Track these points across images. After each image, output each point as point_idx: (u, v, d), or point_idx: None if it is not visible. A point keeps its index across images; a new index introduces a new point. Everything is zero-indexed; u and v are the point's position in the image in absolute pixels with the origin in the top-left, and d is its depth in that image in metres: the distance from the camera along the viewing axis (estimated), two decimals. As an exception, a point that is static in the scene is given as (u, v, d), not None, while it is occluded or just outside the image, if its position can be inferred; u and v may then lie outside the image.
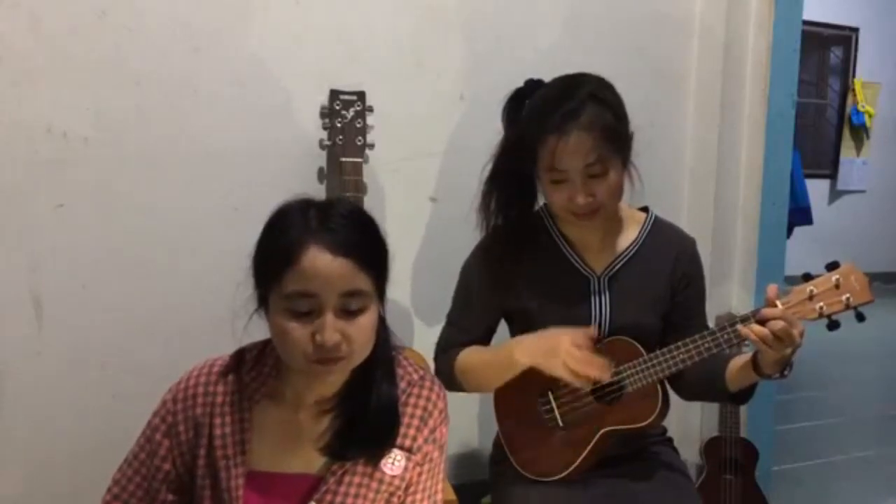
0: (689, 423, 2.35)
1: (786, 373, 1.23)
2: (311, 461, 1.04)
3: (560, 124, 1.23)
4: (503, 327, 1.48)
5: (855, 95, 6.71)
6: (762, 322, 1.16)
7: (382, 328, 1.06)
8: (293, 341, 0.95)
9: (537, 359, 1.29)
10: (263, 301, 1.00)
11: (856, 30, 6.67)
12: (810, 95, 6.63)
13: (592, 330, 1.30)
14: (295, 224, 0.96)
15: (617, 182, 1.28)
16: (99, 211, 1.69)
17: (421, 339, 1.86)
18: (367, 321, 0.98)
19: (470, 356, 1.40)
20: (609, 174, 1.26)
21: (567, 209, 1.30)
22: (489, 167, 1.39)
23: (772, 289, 1.20)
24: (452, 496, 1.66)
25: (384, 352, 1.06)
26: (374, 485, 1.05)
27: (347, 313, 0.96)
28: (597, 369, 1.25)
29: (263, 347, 1.06)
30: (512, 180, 1.36)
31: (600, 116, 1.25)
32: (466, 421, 2.10)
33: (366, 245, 0.99)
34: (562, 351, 1.25)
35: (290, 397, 1.05)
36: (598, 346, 1.34)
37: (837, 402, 3.74)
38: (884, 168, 6.93)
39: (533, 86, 1.36)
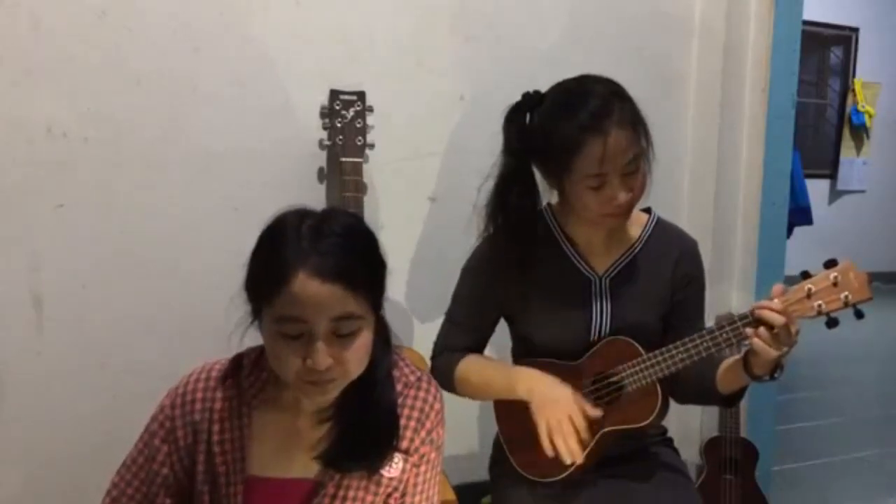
0: (689, 423, 2.35)
1: (776, 375, 1.23)
2: (309, 466, 1.04)
3: (596, 125, 1.21)
4: (503, 326, 1.49)
5: (855, 95, 6.71)
6: (760, 318, 1.17)
7: (383, 335, 1.04)
8: (285, 363, 0.94)
9: (535, 402, 1.28)
10: (257, 315, 0.98)
11: (856, 30, 6.67)
12: (810, 95, 6.63)
13: (600, 414, 1.29)
14: (287, 243, 0.93)
15: (646, 175, 1.28)
16: (99, 211, 1.69)
17: (420, 338, 1.86)
18: (360, 343, 0.96)
19: (472, 369, 1.39)
20: (641, 168, 1.26)
21: (604, 212, 1.27)
22: (493, 182, 1.35)
23: (777, 287, 1.19)
24: (452, 496, 1.66)
25: (384, 360, 1.05)
26: (373, 487, 1.05)
27: (340, 336, 0.94)
28: (568, 453, 1.24)
29: (261, 353, 1.05)
30: (515, 190, 1.34)
31: (628, 111, 1.24)
32: (466, 421, 2.10)
33: (359, 266, 0.96)
34: (561, 410, 1.25)
35: (289, 403, 1.05)
36: (598, 345, 1.35)
37: (837, 402, 3.73)
38: (884, 168, 6.94)
39: (532, 98, 1.33)
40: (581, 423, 1.25)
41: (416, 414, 1.08)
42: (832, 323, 1.18)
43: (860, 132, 6.85)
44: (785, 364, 1.21)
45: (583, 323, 1.36)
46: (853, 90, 6.72)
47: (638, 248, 1.39)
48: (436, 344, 1.48)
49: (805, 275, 1.19)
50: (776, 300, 1.18)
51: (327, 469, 1.03)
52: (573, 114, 1.23)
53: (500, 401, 1.44)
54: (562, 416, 1.25)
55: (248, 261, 0.99)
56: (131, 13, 1.67)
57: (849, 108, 6.75)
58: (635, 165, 1.25)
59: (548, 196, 1.39)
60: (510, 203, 1.35)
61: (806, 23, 2.29)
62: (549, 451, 1.26)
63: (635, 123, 1.24)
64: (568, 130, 1.23)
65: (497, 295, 1.41)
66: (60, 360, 1.69)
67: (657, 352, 1.29)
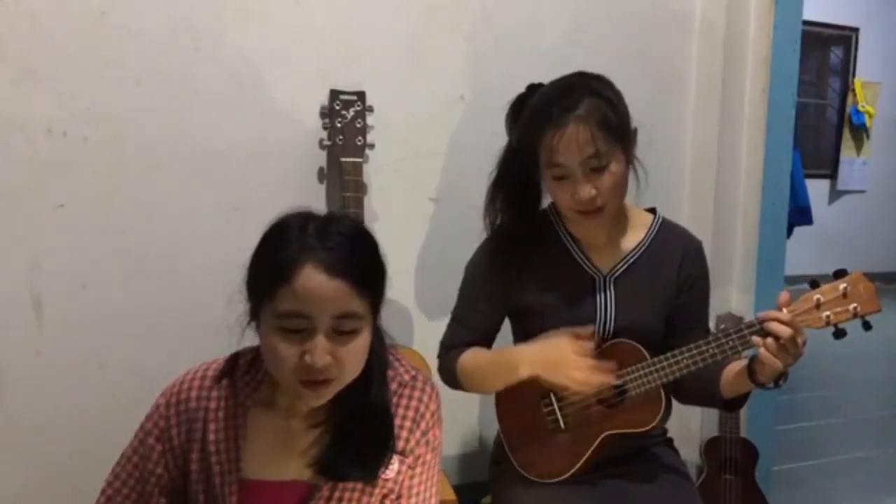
0: (689, 424, 2.35)
1: (781, 383, 1.22)
2: (303, 469, 1.03)
3: (557, 118, 1.24)
4: (506, 325, 1.49)
5: (855, 95, 6.72)
6: (768, 330, 1.16)
7: (378, 341, 1.04)
8: (282, 360, 0.94)
9: (541, 371, 1.29)
10: (255, 315, 0.98)
11: (856, 30, 6.67)
12: (810, 95, 6.63)
13: (591, 330, 1.31)
14: (292, 240, 0.94)
15: (619, 176, 1.27)
16: (99, 211, 1.69)
17: (421, 338, 1.86)
18: (358, 344, 0.96)
19: (473, 358, 1.40)
20: (610, 167, 1.26)
21: (572, 207, 1.29)
22: (494, 173, 1.38)
23: (784, 296, 1.19)
24: (452, 496, 1.66)
25: (378, 366, 1.04)
26: (368, 489, 1.04)
27: (339, 334, 0.94)
28: (601, 374, 1.25)
29: (258, 353, 1.04)
30: (517, 184, 1.36)
31: (597, 109, 1.24)
32: (467, 421, 2.10)
33: (363, 266, 0.96)
34: (567, 363, 1.25)
35: (283, 405, 1.04)
36: (602, 348, 1.35)
37: (837, 402, 3.74)
38: (884, 168, 6.94)
39: (534, 90, 1.36)
40: (588, 357, 1.26)
41: (411, 414, 1.07)
42: (840, 334, 1.17)
43: (860, 132, 6.85)
44: (789, 371, 1.20)
45: (586, 321, 1.36)
46: (853, 90, 6.72)
47: (642, 249, 1.39)
48: (441, 343, 1.48)
49: (814, 284, 1.18)
50: (784, 310, 1.17)
51: (322, 475, 1.02)
52: (546, 107, 1.26)
53: (501, 399, 1.44)
54: (573, 366, 1.25)
55: (251, 258, 0.99)
56: (131, 13, 1.67)
57: (849, 108, 6.75)
58: (599, 163, 1.24)
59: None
60: (509, 193, 1.37)
61: (806, 23, 2.29)
62: (591, 392, 1.29)
63: (604, 123, 1.24)
64: (536, 120, 1.27)
65: (501, 293, 1.41)
66: (60, 360, 1.69)
67: (662, 357, 1.29)
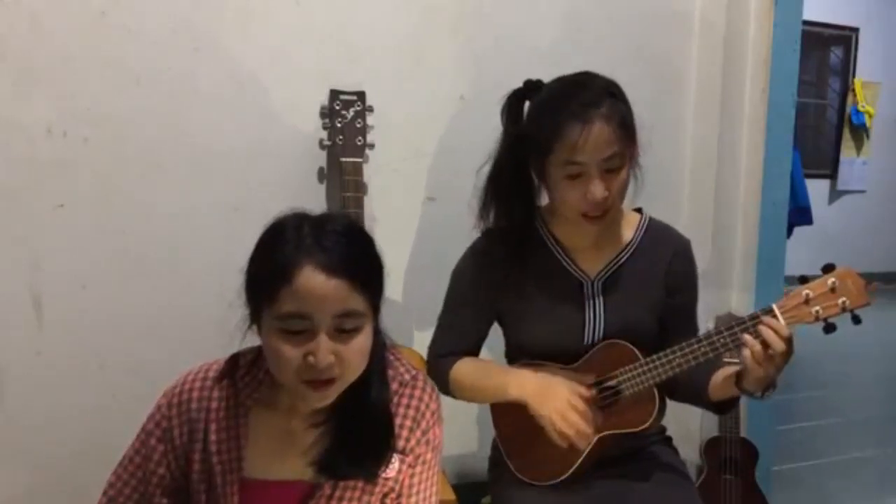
0: (688, 423, 2.34)
1: (767, 394, 1.22)
2: (305, 468, 1.03)
3: (582, 113, 1.21)
4: (498, 330, 1.48)
5: (855, 95, 6.72)
6: (760, 331, 1.16)
7: (378, 339, 1.04)
8: (285, 361, 0.94)
9: (529, 398, 1.28)
10: (256, 318, 0.98)
11: (856, 30, 6.67)
12: (810, 95, 6.63)
13: (594, 393, 1.31)
14: (289, 242, 0.94)
15: (627, 178, 1.27)
16: (99, 211, 1.69)
17: (420, 338, 1.86)
18: (361, 342, 0.96)
19: (465, 372, 1.39)
20: (623, 169, 1.25)
21: (579, 209, 1.27)
22: (489, 168, 1.37)
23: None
24: (452, 496, 1.66)
25: (378, 364, 1.04)
26: (370, 487, 1.04)
27: (342, 333, 0.94)
28: (580, 437, 1.25)
29: (259, 353, 1.04)
30: (513, 181, 1.35)
31: (618, 109, 1.23)
32: (466, 422, 2.10)
33: (361, 264, 0.96)
34: (559, 399, 1.25)
35: (284, 404, 1.04)
36: (595, 349, 1.35)
37: (837, 402, 3.74)
38: (884, 168, 6.94)
39: (532, 86, 1.35)
40: (581, 406, 1.25)
41: (411, 413, 1.07)
42: (829, 328, 1.17)
43: (860, 132, 6.85)
44: (778, 384, 1.20)
45: (576, 327, 1.36)
46: (853, 90, 6.72)
47: (631, 250, 1.38)
48: (429, 349, 1.47)
49: (803, 279, 1.18)
50: (778, 313, 1.17)
51: (323, 474, 1.02)
52: (564, 101, 1.24)
53: (496, 405, 1.43)
54: (562, 406, 1.25)
55: (248, 263, 0.98)
56: (131, 13, 1.67)
57: (849, 108, 6.75)
58: (615, 164, 1.24)
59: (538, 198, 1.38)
60: (505, 192, 1.35)
61: (806, 23, 2.29)
62: (563, 444, 1.25)
63: (623, 124, 1.23)
64: (554, 115, 1.24)
65: (488, 298, 1.40)
66: (60, 360, 1.69)
67: (655, 356, 1.29)
